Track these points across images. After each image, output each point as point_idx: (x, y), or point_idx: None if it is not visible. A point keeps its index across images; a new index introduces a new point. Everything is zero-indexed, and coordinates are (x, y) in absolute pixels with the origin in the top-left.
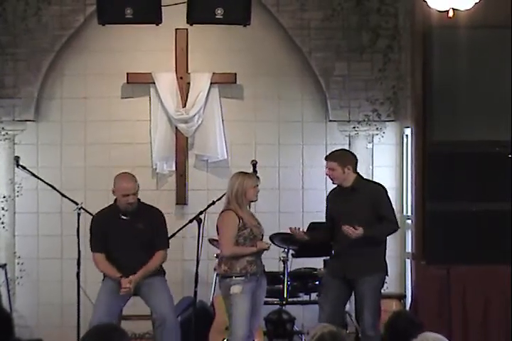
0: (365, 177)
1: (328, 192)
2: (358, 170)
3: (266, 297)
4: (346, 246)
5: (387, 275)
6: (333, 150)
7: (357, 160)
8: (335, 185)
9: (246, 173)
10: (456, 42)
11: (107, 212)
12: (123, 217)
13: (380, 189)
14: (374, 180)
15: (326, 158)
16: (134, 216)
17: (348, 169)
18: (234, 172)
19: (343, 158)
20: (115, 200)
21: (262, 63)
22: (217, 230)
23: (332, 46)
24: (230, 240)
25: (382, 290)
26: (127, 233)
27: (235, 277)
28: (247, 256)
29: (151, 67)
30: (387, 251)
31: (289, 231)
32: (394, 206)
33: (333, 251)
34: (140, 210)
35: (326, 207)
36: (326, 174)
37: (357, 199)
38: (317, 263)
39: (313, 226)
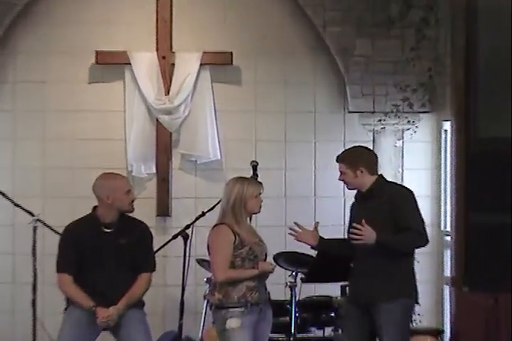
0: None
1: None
2: (383, 173)
3: (270, 332)
4: (361, 263)
5: (417, 302)
6: (346, 148)
7: (375, 159)
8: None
9: (246, 179)
10: (509, 13)
11: (84, 223)
12: (105, 229)
13: (404, 192)
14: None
15: (336, 159)
16: (117, 229)
17: (361, 172)
18: (229, 176)
19: (352, 159)
20: (93, 209)
21: (265, 40)
22: (208, 249)
23: (352, 19)
24: (224, 262)
25: (412, 323)
26: (108, 249)
27: (232, 308)
28: (247, 280)
29: (126, 45)
30: (419, 275)
31: (297, 251)
32: (427, 218)
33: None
34: (123, 223)
35: (349, 217)
36: (338, 179)
37: (373, 206)
38: (333, 289)
39: None
